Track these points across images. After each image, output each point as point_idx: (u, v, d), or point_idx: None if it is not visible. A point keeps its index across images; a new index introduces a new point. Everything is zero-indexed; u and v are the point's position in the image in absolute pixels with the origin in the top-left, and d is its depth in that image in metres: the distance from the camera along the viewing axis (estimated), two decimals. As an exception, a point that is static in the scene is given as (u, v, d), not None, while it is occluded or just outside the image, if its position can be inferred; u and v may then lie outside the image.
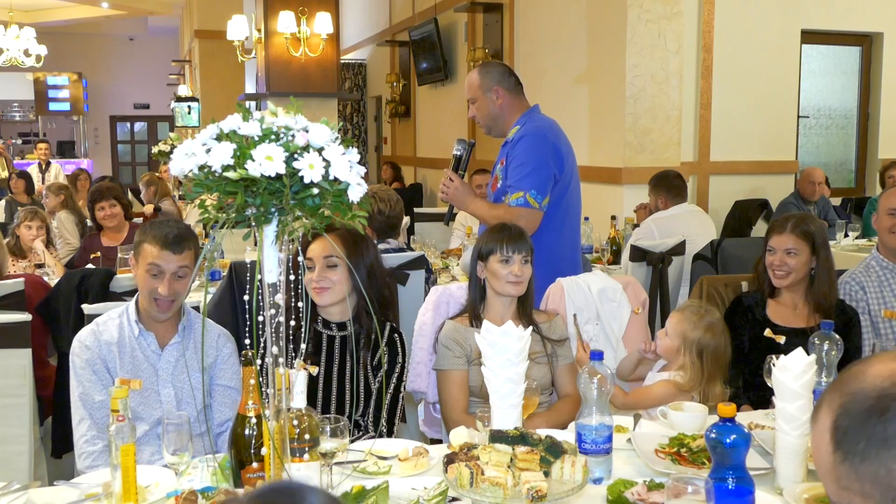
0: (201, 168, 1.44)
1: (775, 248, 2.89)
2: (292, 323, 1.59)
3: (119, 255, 4.33)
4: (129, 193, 7.63)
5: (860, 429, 1.02)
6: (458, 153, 3.33)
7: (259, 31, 8.11)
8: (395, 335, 2.63)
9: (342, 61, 11.44)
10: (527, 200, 3.12)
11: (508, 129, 3.34)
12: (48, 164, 11.15)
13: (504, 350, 1.96)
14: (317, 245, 2.57)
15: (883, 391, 1.02)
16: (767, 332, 2.84)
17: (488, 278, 2.68)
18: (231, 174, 1.40)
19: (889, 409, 1.01)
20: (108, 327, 2.45)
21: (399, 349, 2.62)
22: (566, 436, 1.96)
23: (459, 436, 2.09)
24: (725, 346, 2.61)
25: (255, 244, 1.54)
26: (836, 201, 7.00)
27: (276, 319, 1.54)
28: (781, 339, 2.79)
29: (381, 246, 3.99)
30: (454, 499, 1.82)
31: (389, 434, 2.53)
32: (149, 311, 2.45)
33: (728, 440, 1.53)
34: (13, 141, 18.64)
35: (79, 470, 2.31)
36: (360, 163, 1.51)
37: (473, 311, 2.70)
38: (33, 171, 10.71)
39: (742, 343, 2.90)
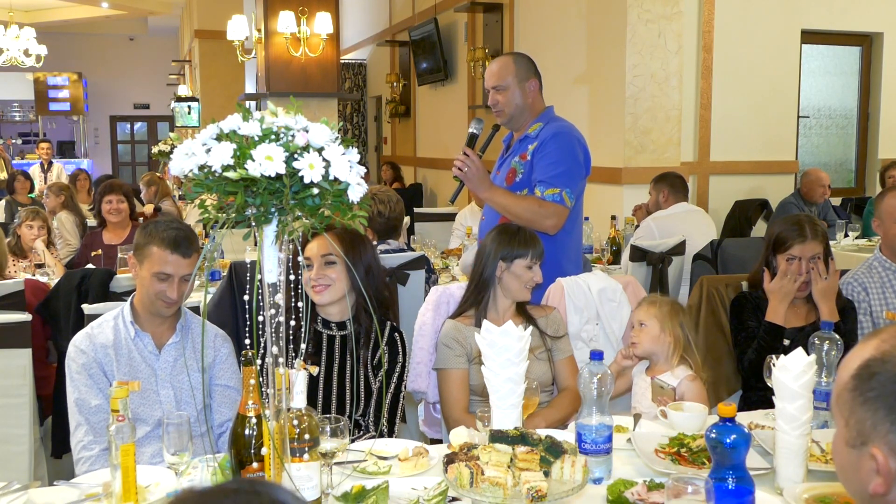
0: (201, 168, 1.44)
1: (799, 255, 2.85)
2: (292, 323, 1.59)
3: (119, 254, 4.33)
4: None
5: (882, 383, 1.13)
6: (475, 131, 3.18)
7: (259, 30, 8.10)
8: (396, 334, 2.63)
9: (342, 61, 11.44)
10: (563, 198, 3.10)
11: (529, 125, 3.30)
12: (50, 163, 11.15)
13: (504, 350, 1.96)
14: (315, 244, 2.57)
15: None
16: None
17: (505, 279, 2.68)
18: (231, 174, 1.40)
19: None
20: (103, 330, 2.43)
21: (400, 348, 2.62)
22: (566, 436, 1.96)
23: (459, 436, 2.09)
24: (688, 320, 2.69)
25: (255, 244, 1.54)
26: (836, 201, 7.00)
27: (276, 319, 1.54)
28: (786, 342, 2.80)
29: (382, 247, 3.99)
30: (454, 499, 1.82)
31: (390, 433, 2.53)
32: (151, 310, 2.44)
33: (728, 440, 1.53)
34: (13, 141, 18.64)
35: (77, 475, 2.31)
36: (360, 163, 1.51)
37: (481, 311, 2.70)
38: (35, 170, 10.70)
39: (753, 327, 2.90)
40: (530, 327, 2.16)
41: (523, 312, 2.74)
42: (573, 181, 3.14)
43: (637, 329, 2.64)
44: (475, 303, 2.72)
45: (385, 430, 2.52)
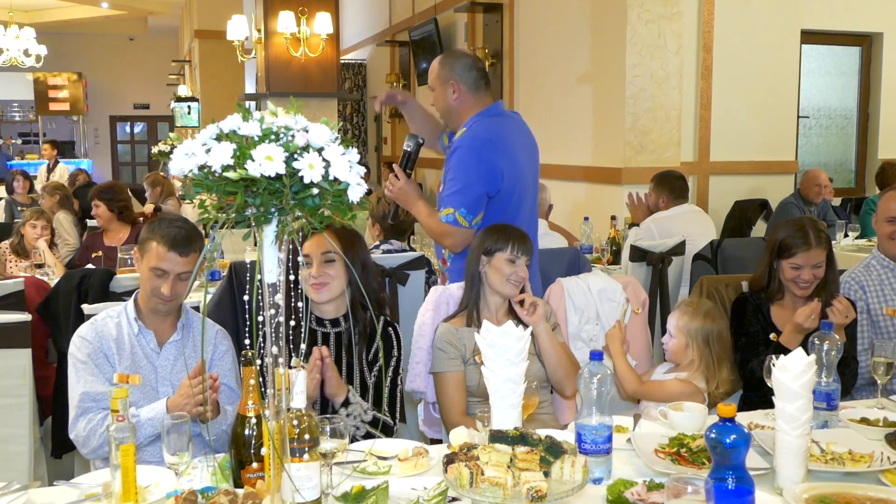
0: (201, 168, 1.44)
1: (803, 264, 2.84)
2: (291, 323, 1.59)
3: (119, 255, 4.33)
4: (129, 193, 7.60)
5: None
6: (408, 149, 3.14)
7: (259, 31, 8.11)
8: (390, 328, 2.66)
9: (342, 61, 11.44)
10: (456, 218, 2.99)
11: (460, 127, 3.19)
12: (56, 162, 11.15)
13: (504, 350, 1.96)
14: (313, 242, 2.58)
15: None
16: (773, 336, 2.86)
17: (488, 274, 2.67)
18: (231, 174, 1.40)
19: None
20: (106, 324, 2.46)
21: (394, 342, 2.64)
22: (566, 436, 1.96)
23: (459, 436, 2.09)
24: (726, 328, 2.68)
25: (255, 244, 1.54)
26: (836, 201, 7.01)
27: (276, 319, 1.53)
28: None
29: (384, 246, 4.01)
30: (454, 499, 1.82)
31: (393, 420, 2.56)
32: (149, 305, 2.46)
33: (728, 440, 1.53)
34: (13, 141, 18.65)
35: (88, 453, 2.34)
36: (360, 163, 1.51)
37: (474, 311, 2.70)
38: (42, 171, 10.71)
39: (755, 333, 2.90)
40: (530, 328, 2.15)
41: (513, 312, 2.72)
42: (468, 199, 2.99)
43: (666, 337, 2.66)
44: (476, 302, 2.72)
45: (390, 423, 2.53)
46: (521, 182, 3.11)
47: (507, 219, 2.97)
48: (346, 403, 2.45)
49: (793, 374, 1.86)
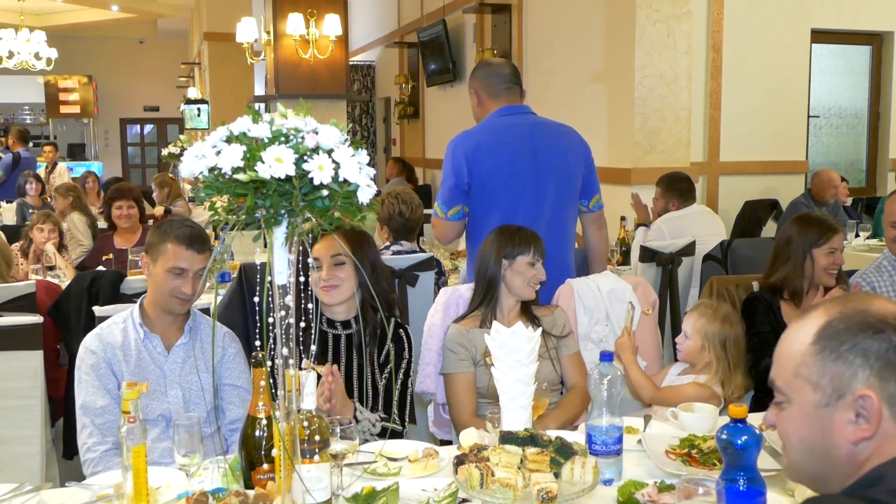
0: (211, 170, 1.44)
1: (837, 247, 2.95)
2: (301, 324, 1.59)
3: (130, 256, 4.34)
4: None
5: (851, 334, 1.24)
6: None
7: (268, 33, 8.13)
8: (401, 330, 2.65)
9: (351, 63, 11.45)
10: (435, 210, 3.28)
11: None
12: (55, 164, 11.18)
13: (514, 351, 1.96)
14: (323, 244, 2.58)
15: (884, 318, 1.24)
16: None
17: (508, 277, 2.68)
18: (241, 176, 1.41)
19: (884, 332, 1.23)
20: (111, 331, 2.47)
21: (406, 344, 2.64)
22: (576, 437, 1.96)
23: (469, 437, 2.09)
24: (742, 335, 2.67)
25: (265, 246, 1.54)
26: (847, 201, 6.98)
27: (286, 321, 1.54)
28: None
29: (394, 247, 4.01)
30: (464, 500, 1.82)
31: (402, 426, 2.54)
32: (164, 308, 2.47)
33: (739, 441, 1.52)
34: (24, 143, 18.68)
35: (85, 475, 2.32)
36: (369, 164, 1.51)
37: (489, 314, 2.70)
38: (42, 172, 10.74)
39: (766, 333, 2.90)
40: (540, 328, 2.15)
41: (527, 312, 2.73)
42: (444, 192, 3.25)
43: (681, 337, 2.65)
44: (481, 304, 2.72)
45: (399, 424, 2.53)
46: (498, 176, 3.20)
47: (487, 212, 3.17)
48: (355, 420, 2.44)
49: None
